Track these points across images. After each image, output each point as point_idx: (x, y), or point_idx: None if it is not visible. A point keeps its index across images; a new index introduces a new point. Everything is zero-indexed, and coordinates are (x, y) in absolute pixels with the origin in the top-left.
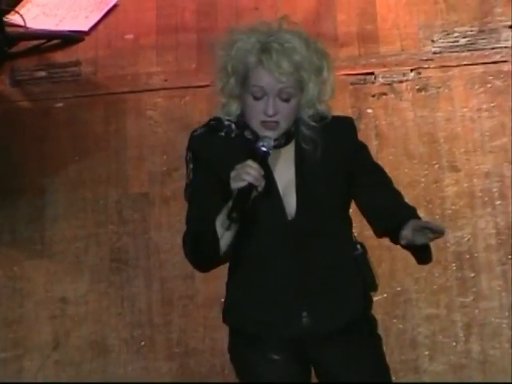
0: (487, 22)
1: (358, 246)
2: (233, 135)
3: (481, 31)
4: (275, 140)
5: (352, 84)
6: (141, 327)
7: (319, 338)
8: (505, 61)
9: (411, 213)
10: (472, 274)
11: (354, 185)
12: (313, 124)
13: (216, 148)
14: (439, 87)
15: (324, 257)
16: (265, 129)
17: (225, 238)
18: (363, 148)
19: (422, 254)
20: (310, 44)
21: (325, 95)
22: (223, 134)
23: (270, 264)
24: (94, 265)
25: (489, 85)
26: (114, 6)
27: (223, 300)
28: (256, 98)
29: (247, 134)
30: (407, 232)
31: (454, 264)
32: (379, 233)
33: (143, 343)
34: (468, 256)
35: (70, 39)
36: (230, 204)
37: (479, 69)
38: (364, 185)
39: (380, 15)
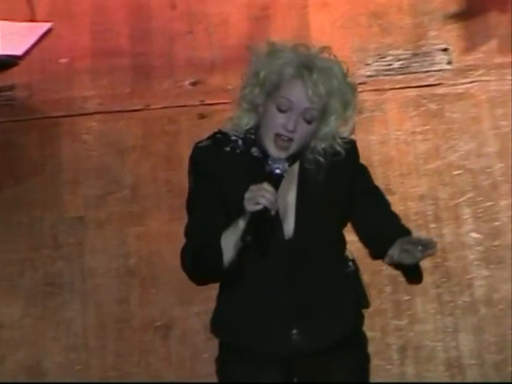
0: (421, 45)
1: (350, 263)
2: (238, 151)
3: (415, 54)
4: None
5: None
6: (77, 351)
7: (308, 356)
8: (439, 84)
9: (403, 234)
10: (407, 297)
11: (351, 207)
12: (321, 158)
13: (220, 163)
14: (374, 110)
15: (317, 277)
16: (276, 145)
17: (229, 255)
18: (364, 171)
19: (412, 274)
20: (346, 76)
21: (343, 132)
22: (228, 149)
23: (262, 280)
24: (29, 289)
25: (423, 108)
26: (49, 30)
27: (158, 324)
28: (280, 110)
29: (254, 151)
30: (392, 252)
31: (388, 287)
32: (373, 255)
33: (78, 367)
34: (402, 279)
35: (4, 63)
36: (239, 224)
37: (413, 92)
38: (360, 206)
39: (314, 38)
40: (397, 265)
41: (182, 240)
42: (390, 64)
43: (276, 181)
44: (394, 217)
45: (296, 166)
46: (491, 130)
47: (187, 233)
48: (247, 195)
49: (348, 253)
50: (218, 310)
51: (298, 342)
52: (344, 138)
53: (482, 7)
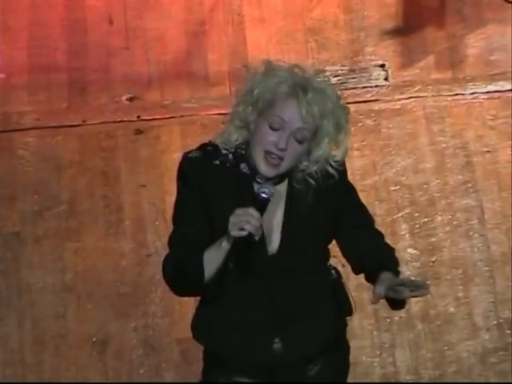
0: (358, 61)
1: (333, 272)
2: (228, 164)
3: (352, 70)
4: (271, 179)
5: (223, 122)
6: (13, 366)
7: (289, 365)
8: (375, 100)
9: (386, 261)
10: None
11: (337, 225)
12: (312, 180)
13: (209, 175)
14: None
15: (298, 288)
16: (266, 163)
17: (210, 273)
18: (351, 190)
19: (396, 302)
20: (340, 99)
21: (335, 156)
22: (218, 162)
23: (243, 292)
24: None
25: (360, 124)
26: None
27: (95, 339)
28: (272, 128)
29: (243, 167)
30: (380, 289)
31: None
32: (357, 270)
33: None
34: None
35: None
36: (223, 244)
37: (350, 108)
38: (345, 225)
39: (250, 54)
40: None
41: (118, 256)
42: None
43: (261, 205)
44: (378, 239)
45: (284, 184)
46: (428, 146)
47: (171, 244)
48: (232, 219)
49: (331, 262)
50: (198, 317)
51: (280, 351)
52: (337, 161)
53: (419, 23)
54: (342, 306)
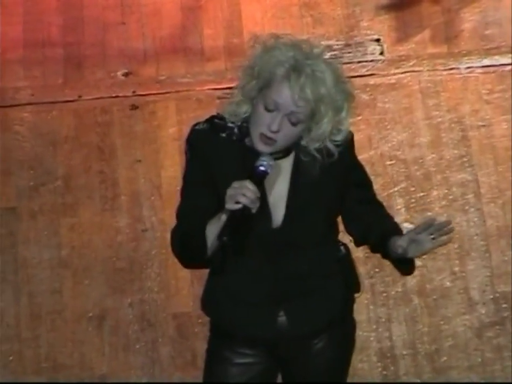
0: (353, 35)
1: (342, 248)
2: (234, 138)
3: (347, 45)
4: (273, 154)
5: (219, 98)
6: (9, 342)
7: (294, 339)
8: (371, 75)
9: (394, 228)
10: None
11: (343, 199)
12: (318, 155)
13: (215, 148)
14: None
15: (305, 263)
16: (261, 142)
17: (212, 246)
18: (358, 165)
19: (406, 265)
20: (339, 82)
21: (337, 135)
22: (224, 135)
23: (249, 267)
24: None
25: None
26: None
27: (91, 314)
28: (267, 110)
29: (247, 141)
30: (402, 242)
31: None
32: (359, 243)
33: (11, 357)
34: None
35: None
36: (222, 217)
37: None
38: (350, 199)
39: (246, 29)
40: (391, 258)
41: (114, 231)
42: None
43: (259, 178)
44: (382, 211)
45: (291, 157)
46: (423, 120)
47: (178, 216)
48: (228, 192)
49: (339, 237)
50: (207, 290)
51: (285, 326)
52: (337, 140)
53: None
54: (350, 283)
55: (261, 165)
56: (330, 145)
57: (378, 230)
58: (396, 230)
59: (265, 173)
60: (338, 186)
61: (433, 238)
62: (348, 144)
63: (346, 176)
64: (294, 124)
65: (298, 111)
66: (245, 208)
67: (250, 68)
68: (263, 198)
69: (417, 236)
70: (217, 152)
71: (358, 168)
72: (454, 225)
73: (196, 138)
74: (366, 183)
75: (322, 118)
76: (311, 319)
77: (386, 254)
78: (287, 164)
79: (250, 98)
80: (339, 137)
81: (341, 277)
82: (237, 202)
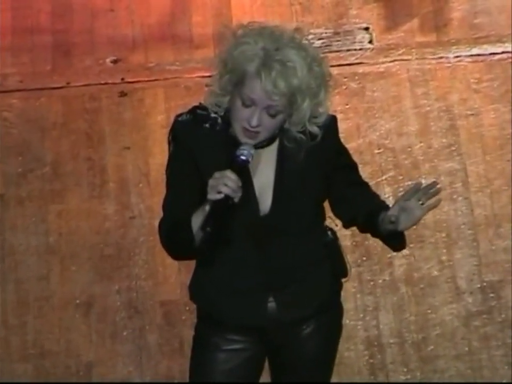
0: (342, 24)
1: (329, 233)
2: (218, 128)
3: (336, 33)
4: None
5: (207, 85)
6: None
7: (282, 326)
8: (360, 63)
9: (383, 206)
10: None
11: (329, 183)
12: (301, 138)
13: (199, 139)
14: None
15: (293, 252)
16: (244, 136)
17: (198, 236)
18: (343, 150)
19: (396, 241)
20: (312, 67)
21: (318, 117)
22: (207, 125)
23: (237, 255)
24: None
25: (344, 87)
26: None
27: (78, 301)
28: (244, 105)
29: (231, 131)
30: (393, 210)
31: None
32: (348, 224)
33: None
34: None
35: None
36: (206, 208)
37: (334, 71)
38: (337, 183)
39: (235, 17)
40: (381, 234)
41: (102, 218)
42: (311, 43)
43: (240, 167)
44: (369, 191)
45: (275, 144)
46: (412, 109)
47: (164, 209)
48: (210, 182)
49: (326, 223)
50: (194, 278)
51: (274, 312)
52: (317, 122)
53: None
54: (337, 268)
55: (242, 154)
56: (312, 128)
57: (366, 209)
58: (384, 206)
59: (246, 162)
60: (324, 170)
61: (422, 204)
62: (332, 128)
63: (331, 159)
64: (273, 116)
65: (275, 103)
66: (227, 198)
67: (223, 62)
68: (249, 186)
69: (407, 203)
70: (201, 143)
71: (342, 151)
72: (441, 214)
73: (179, 130)
74: (351, 165)
75: (301, 105)
76: (299, 305)
77: (376, 231)
78: (272, 151)
79: (227, 91)
80: (320, 119)
81: (329, 262)
82: (219, 192)
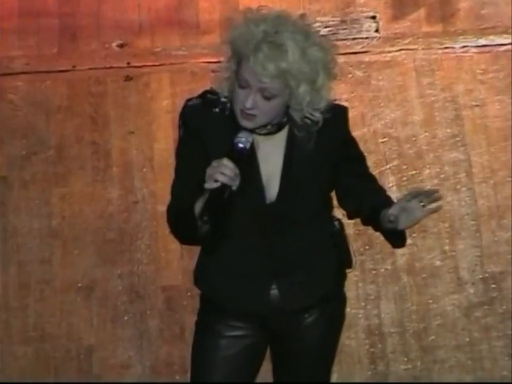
0: (349, 12)
1: (336, 223)
2: (227, 113)
3: (343, 21)
4: (262, 129)
5: (213, 71)
6: None
7: (284, 314)
8: (366, 52)
9: (387, 201)
10: None
11: (336, 173)
12: (310, 125)
13: (208, 123)
14: None
15: (300, 240)
16: (242, 118)
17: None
18: (352, 140)
19: (397, 238)
20: (307, 52)
21: (318, 103)
22: (217, 110)
23: (243, 241)
24: None
25: (350, 75)
26: None
27: (80, 285)
28: (241, 87)
29: None
30: (394, 210)
31: None
32: (352, 216)
33: None
34: None
35: None
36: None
37: (340, 59)
38: (344, 173)
39: (241, 2)
40: (382, 230)
41: (105, 202)
42: (317, 31)
43: (238, 155)
44: (375, 184)
45: (284, 133)
46: (417, 99)
47: (172, 194)
48: (208, 171)
49: (333, 212)
50: (199, 264)
51: (277, 300)
52: (336, 105)
53: None
54: (343, 258)
55: (239, 142)
56: (315, 114)
57: (371, 203)
58: (388, 202)
59: (243, 150)
60: (332, 161)
61: (423, 206)
62: (342, 118)
63: (340, 150)
64: (267, 98)
65: (267, 86)
66: (224, 186)
67: (228, 46)
68: (256, 174)
69: (408, 204)
70: (210, 127)
71: (351, 143)
72: (445, 204)
73: (189, 114)
74: (359, 157)
75: (295, 89)
76: (303, 294)
77: (378, 226)
78: (281, 139)
79: (232, 75)
80: (320, 105)
81: (334, 252)
82: (216, 181)
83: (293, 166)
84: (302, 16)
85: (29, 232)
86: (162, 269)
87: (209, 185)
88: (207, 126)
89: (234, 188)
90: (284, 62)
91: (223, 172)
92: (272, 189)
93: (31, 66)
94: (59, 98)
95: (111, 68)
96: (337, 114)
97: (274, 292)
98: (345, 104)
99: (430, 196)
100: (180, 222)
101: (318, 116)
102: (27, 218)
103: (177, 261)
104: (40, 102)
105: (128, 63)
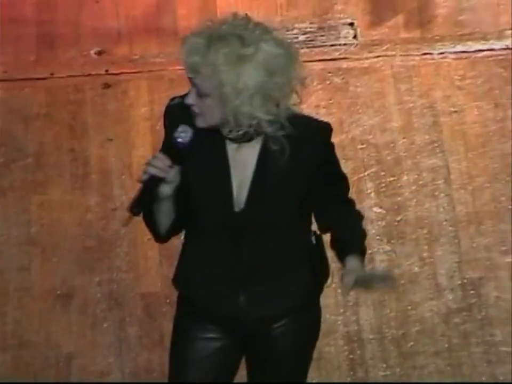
0: (327, 19)
1: (313, 237)
2: None
3: (320, 28)
4: (230, 132)
5: None
6: None
7: (253, 321)
8: (344, 58)
9: (353, 241)
10: None
11: (311, 191)
12: (277, 135)
13: (185, 122)
14: None
15: (270, 251)
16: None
17: (160, 218)
18: (331, 159)
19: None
20: (242, 60)
21: (269, 112)
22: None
23: (213, 247)
24: None
25: (328, 82)
26: None
27: (59, 292)
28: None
29: None
30: (348, 281)
31: None
32: (323, 232)
33: None
34: None
35: None
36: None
37: (318, 66)
38: (320, 193)
39: (219, 10)
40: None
41: (84, 209)
42: (295, 38)
43: (176, 150)
44: (349, 211)
45: (259, 141)
46: (395, 105)
47: None
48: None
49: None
50: (178, 264)
51: (245, 307)
52: (318, 121)
53: None
54: (317, 272)
55: (178, 137)
56: (266, 125)
57: (338, 237)
58: (354, 244)
59: (181, 144)
60: (307, 176)
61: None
62: (323, 136)
63: (316, 168)
64: (200, 96)
65: (197, 82)
66: (153, 178)
67: None
68: (226, 180)
69: (361, 279)
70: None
71: (331, 162)
72: (423, 211)
73: (169, 113)
74: (337, 178)
75: (224, 95)
76: (270, 303)
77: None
78: (254, 148)
79: None
80: (275, 114)
81: (309, 266)
82: (145, 174)
83: (263, 175)
84: (257, 24)
85: (8, 240)
86: (141, 276)
87: (142, 178)
88: (183, 124)
89: (169, 179)
90: (196, 56)
91: (153, 164)
92: (241, 196)
93: (9, 74)
94: (37, 106)
95: (89, 75)
96: (318, 131)
97: (242, 298)
98: (323, 110)
99: (384, 280)
100: (148, 223)
101: (265, 126)
102: (5, 225)
103: (156, 268)
104: (18, 109)
105: (107, 71)
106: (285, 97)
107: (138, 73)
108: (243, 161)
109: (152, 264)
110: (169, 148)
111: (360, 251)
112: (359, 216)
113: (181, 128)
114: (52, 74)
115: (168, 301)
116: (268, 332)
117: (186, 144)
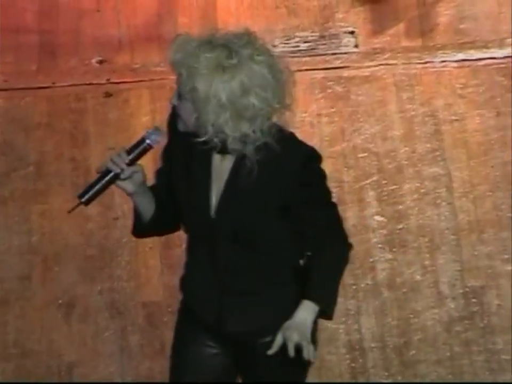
0: (328, 27)
1: (302, 260)
2: None
3: (322, 37)
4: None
5: None
6: None
7: (236, 335)
8: (345, 67)
9: (314, 287)
10: None
11: (291, 207)
12: (264, 160)
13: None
14: None
15: (245, 263)
16: None
17: (139, 213)
18: (309, 183)
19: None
20: (214, 73)
21: (238, 128)
22: None
23: (199, 253)
24: None
25: (329, 90)
26: None
27: (61, 301)
28: None
29: None
30: (279, 340)
31: None
32: None
33: None
34: None
35: None
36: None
37: (320, 74)
38: (295, 214)
39: (220, 19)
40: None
41: (85, 219)
42: (296, 46)
43: (142, 149)
44: (327, 239)
45: (233, 157)
46: (397, 113)
47: None
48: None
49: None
50: (183, 270)
51: (222, 317)
52: (302, 144)
53: None
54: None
55: (147, 138)
56: (228, 139)
57: (309, 263)
58: (312, 290)
59: (147, 145)
60: (283, 196)
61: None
62: (303, 159)
63: (291, 189)
64: (179, 98)
65: (179, 82)
66: (108, 171)
67: None
68: (206, 188)
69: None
70: (177, 131)
71: (308, 185)
72: (425, 219)
73: (170, 117)
74: (313, 202)
75: (197, 102)
76: (244, 318)
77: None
78: (230, 159)
79: None
80: (244, 129)
81: (295, 287)
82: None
83: (234, 184)
84: (246, 34)
85: (9, 249)
86: (143, 285)
87: (99, 169)
88: (176, 131)
89: (123, 176)
90: (178, 55)
91: (111, 159)
92: (214, 204)
93: (10, 83)
94: (38, 115)
95: (90, 84)
96: (297, 153)
97: (220, 308)
98: (324, 119)
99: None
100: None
101: (259, 149)
102: (7, 235)
103: (158, 277)
104: (20, 118)
105: (108, 80)
106: (260, 119)
107: (140, 82)
108: (224, 171)
109: (153, 273)
110: (136, 144)
111: (317, 299)
112: (333, 253)
113: (152, 130)
114: (53, 83)
115: (169, 309)
116: (253, 347)
117: (153, 146)
